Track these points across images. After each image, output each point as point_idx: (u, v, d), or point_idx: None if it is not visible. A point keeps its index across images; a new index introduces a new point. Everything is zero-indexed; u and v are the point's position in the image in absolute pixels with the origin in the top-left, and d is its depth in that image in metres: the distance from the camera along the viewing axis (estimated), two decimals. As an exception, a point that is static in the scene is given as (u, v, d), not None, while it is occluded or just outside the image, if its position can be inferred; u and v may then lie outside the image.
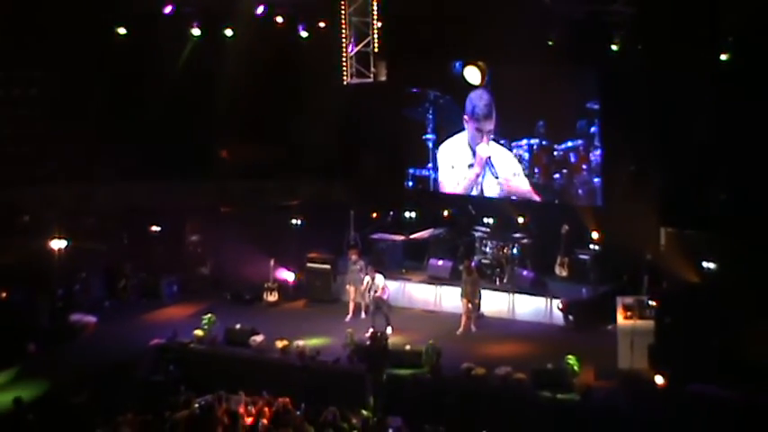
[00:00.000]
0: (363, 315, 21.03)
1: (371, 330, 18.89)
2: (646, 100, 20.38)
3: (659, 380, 16.46)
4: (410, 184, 24.97)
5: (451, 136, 24.05)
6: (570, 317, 20.31)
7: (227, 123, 24.72)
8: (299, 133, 24.55)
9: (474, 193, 23.84)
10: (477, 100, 23.43)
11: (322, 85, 24.66)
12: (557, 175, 22.78)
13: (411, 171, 24.89)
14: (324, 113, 24.65)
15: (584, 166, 22.35)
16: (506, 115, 23.17)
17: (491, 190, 23.62)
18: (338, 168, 25.30)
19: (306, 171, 24.84)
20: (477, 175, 23.64)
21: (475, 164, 23.67)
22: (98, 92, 23.44)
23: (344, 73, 24.39)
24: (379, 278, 20.61)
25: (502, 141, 23.32)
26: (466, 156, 23.86)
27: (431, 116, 24.33)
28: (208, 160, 24.76)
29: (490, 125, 23.28)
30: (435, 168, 24.43)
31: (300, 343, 18.80)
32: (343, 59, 24.22)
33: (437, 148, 24.27)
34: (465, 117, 23.59)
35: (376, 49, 24.36)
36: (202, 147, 24.52)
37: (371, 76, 24.53)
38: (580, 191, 22.46)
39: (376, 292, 20.42)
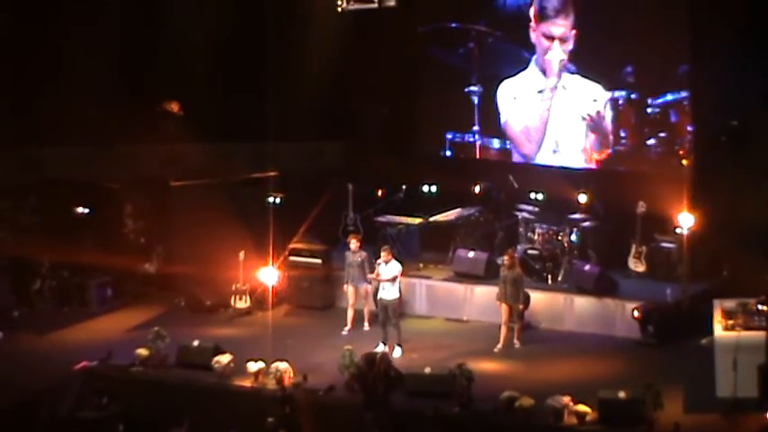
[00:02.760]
0: (367, 326, 21.34)
1: (375, 350, 18.94)
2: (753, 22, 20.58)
3: (774, 415, 16.35)
4: (448, 153, 25.20)
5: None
6: (650, 327, 20.37)
7: (185, 67, 24.70)
8: (280, 80, 24.31)
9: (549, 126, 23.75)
10: None
11: (311, 15, 24.79)
12: (651, 141, 22.80)
13: (450, 136, 25.11)
14: (313, 53, 24.83)
15: (689, 128, 22.38)
16: (584, 55, 23.25)
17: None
18: (332, 127, 25.26)
19: (289, 130, 24.61)
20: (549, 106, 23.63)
21: (546, 88, 23.57)
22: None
23: (340, -3, 24.23)
24: (395, 267, 20.41)
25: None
26: (534, 81, 23.81)
27: (476, 61, 24.43)
28: (154, 116, 24.67)
29: (565, 27, 23.10)
30: (481, 132, 24.67)
31: (281, 366, 18.81)
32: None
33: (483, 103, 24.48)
34: (531, 25, 23.56)
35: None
36: (148, 98, 24.45)
37: (376, 0, 24.30)
38: (685, 161, 22.34)
39: (384, 288, 20.23)
